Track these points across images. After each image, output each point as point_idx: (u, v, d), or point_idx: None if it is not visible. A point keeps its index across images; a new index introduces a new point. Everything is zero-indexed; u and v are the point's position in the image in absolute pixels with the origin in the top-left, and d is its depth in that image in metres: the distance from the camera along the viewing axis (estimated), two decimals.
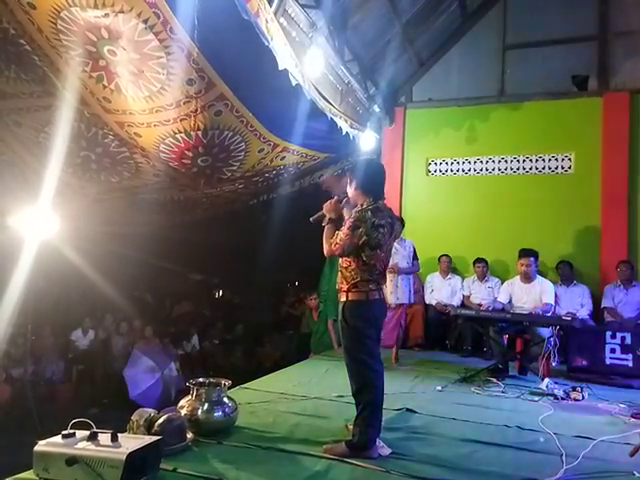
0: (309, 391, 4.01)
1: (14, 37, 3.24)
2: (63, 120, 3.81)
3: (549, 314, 5.04)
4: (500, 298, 5.44)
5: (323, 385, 4.28)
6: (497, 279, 6.49)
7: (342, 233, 2.80)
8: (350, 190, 2.97)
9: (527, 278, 5.24)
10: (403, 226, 5.24)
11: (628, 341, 4.79)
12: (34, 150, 4.36)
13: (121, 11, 2.82)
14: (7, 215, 4.81)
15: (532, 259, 5.21)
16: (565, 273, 6.22)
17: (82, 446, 2.16)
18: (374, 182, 2.93)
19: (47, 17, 2.93)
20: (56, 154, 4.00)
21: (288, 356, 7.80)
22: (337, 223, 2.91)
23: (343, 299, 2.85)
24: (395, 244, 4.77)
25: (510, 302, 5.34)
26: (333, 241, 2.81)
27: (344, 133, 4.91)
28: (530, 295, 5.21)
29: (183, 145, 4.00)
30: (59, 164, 4.07)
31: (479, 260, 6.57)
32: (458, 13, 7.17)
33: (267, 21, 3.67)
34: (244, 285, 11.35)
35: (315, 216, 3.09)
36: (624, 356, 4.78)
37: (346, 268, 2.84)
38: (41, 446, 2.20)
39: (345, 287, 2.83)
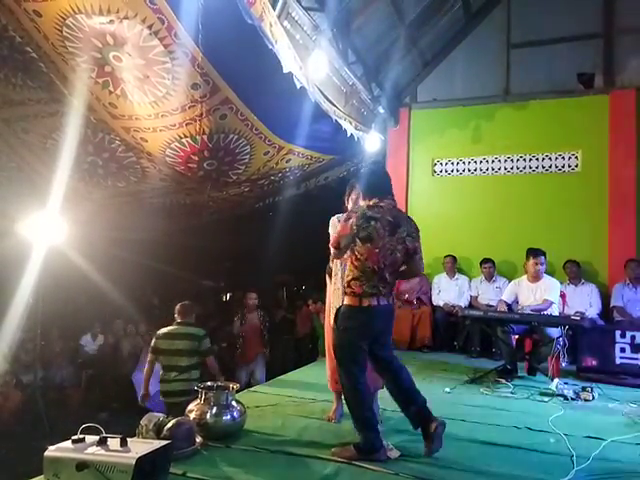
0: (317, 394, 4.00)
1: (20, 45, 3.28)
2: (70, 126, 3.84)
3: (548, 311, 4.98)
4: (504, 297, 5.40)
5: None
6: (505, 279, 6.45)
7: (338, 227, 2.85)
8: (359, 200, 3.02)
9: (536, 277, 5.21)
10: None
11: (638, 340, 4.75)
12: (42, 156, 4.39)
13: (126, 17, 2.84)
14: (16, 221, 4.84)
15: (543, 258, 5.19)
16: (573, 272, 6.17)
17: (92, 451, 2.17)
18: (372, 185, 2.93)
19: (53, 24, 2.96)
20: (63, 160, 4.03)
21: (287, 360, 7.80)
22: None
23: (341, 302, 2.85)
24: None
25: (516, 302, 5.31)
26: (332, 237, 2.86)
27: (349, 135, 4.92)
28: (537, 294, 5.17)
29: (189, 149, 4.02)
30: (67, 170, 4.11)
31: (486, 260, 6.54)
32: (461, 13, 7.15)
33: (271, 24, 3.68)
34: (251, 288, 11.35)
35: None
36: (634, 355, 4.74)
37: (349, 265, 2.82)
38: (51, 451, 2.20)
39: (343, 288, 2.83)
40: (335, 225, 3.41)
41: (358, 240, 2.72)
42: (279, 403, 3.74)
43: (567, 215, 6.58)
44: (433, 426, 2.70)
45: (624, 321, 5.66)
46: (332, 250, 2.88)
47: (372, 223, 2.71)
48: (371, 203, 2.82)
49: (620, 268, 6.06)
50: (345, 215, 2.83)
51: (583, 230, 6.50)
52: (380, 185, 2.91)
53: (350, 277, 2.75)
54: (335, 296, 3.39)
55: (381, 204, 2.81)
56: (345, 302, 2.79)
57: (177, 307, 4.43)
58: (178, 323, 4.36)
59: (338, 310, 2.85)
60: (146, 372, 4.29)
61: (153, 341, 4.29)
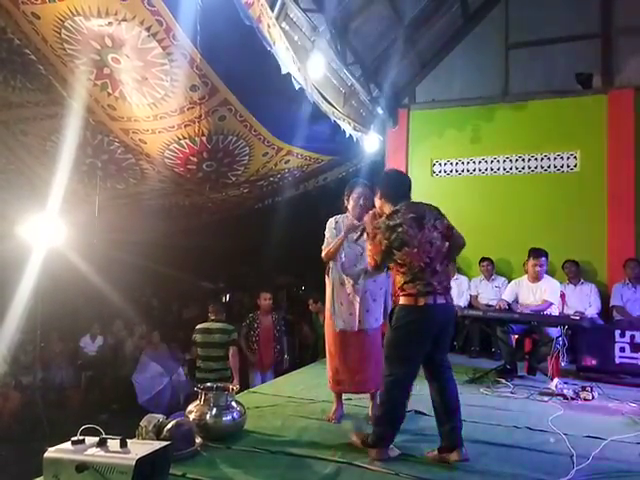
0: (317, 394, 4.00)
1: (19, 47, 3.28)
2: (69, 128, 3.85)
3: (547, 311, 4.98)
4: (504, 296, 5.40)
5: None
6: (504, 278, 6.45)
7: (368, 246, 2.92)
8: (377, 201, 3.05)
9: (536, 278, 5.21)
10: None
11: (638, 340, 4.75)
12: (41, 158, 4.40)
13: (124, 19, 2.85)
14: (15, 223, 4.85)
15: (544, 259, 5.18)
16: (572, 272, 6.17)
17: (92, 452, 2.17)
18: (393, 190, 2.98)
19: (51, 27, 2.96)
20: (63, 162, 4.04)
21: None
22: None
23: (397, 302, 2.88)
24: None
25: (516, 301, 5.31)
26: (368, 256, 2.92)
27: (347, 135, 4.92)
28: (537, 294, 5.16)
29: (188, 151, 4.03)
30: (66, 172, 4.11)
31: (484, 259, 6.54)
32: (460, 13, 7.16)
33: (269, 26, 3.69)
34: (252, 288, 11.37)
35: (358, 234, 3.24)
36: (634, 355, 4.74)
37: (395, 274, 2.87)
38: (51, 452, 2.20)
39: (397, 292, 2.85)
40: (331, 227, 3.43)
41: (394, 250, 2.76)
42: (279, 404, 3.74)
43: (566, 215, 6.58)
44: (454, 456, 2.63)
45: (623, 320, 5.66)
46: (371, 265, 2.91)
47: (399, 230, 2.76)
48: (389, 212, 2.87)
49: (619, 267, 6.06)
50: (371, 233, 2.87)
51: (582, 230, 6.50)
52: (401, 192, 2.99)
53: (402, 282, 2.78)
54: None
55: (397, 207, 2.87)
56: (400, 302, 2.79)
57: (209, 307, 5.26)
58: (212, 320, 5.10)
59: (392, 310, 2.87)
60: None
61: (193, 337, 5.09)
